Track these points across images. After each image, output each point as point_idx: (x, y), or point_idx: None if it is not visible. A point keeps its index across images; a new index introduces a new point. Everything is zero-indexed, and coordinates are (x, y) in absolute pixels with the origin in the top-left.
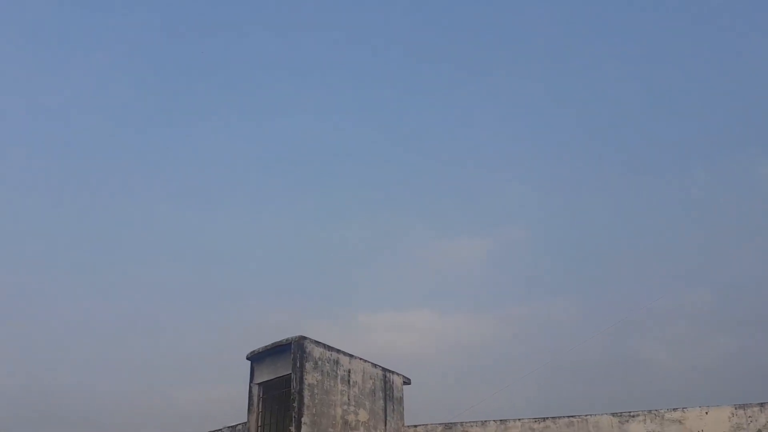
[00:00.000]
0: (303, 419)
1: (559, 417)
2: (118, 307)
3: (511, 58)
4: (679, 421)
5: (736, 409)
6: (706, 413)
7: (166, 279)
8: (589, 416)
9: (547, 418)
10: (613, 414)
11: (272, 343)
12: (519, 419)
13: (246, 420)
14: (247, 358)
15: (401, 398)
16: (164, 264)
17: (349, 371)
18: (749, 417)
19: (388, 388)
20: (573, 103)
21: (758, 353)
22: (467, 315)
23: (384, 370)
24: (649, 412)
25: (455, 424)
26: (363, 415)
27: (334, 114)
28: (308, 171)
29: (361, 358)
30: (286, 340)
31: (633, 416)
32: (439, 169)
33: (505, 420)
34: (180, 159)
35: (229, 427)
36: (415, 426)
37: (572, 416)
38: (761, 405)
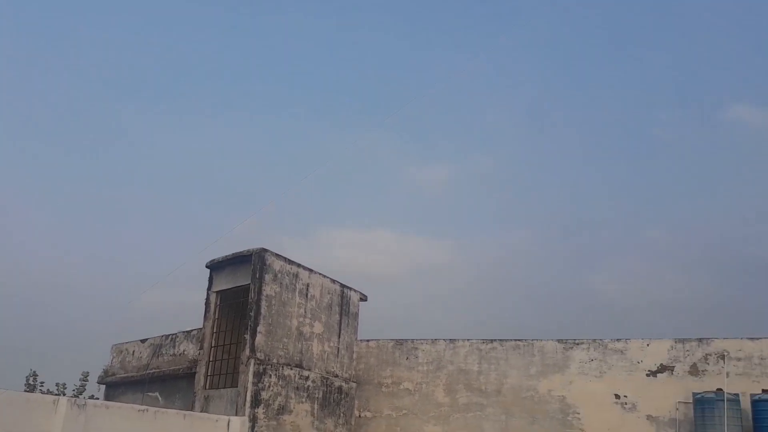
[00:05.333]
0: (258, 328)
1: (507, 340)
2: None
3: None
4: (621, 351)
5: (675, 342)
6: (648, 345)
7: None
8: (535, 341)
9: (495, 340)
10: (558, 340)
11: (233, 254)
12: (468, 340)
13: (202, 326)
14: (207, 266)
15: (356, 314)
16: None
17: (308, 285)
18: (687, 351)
19: (344, 304)
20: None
21: (703, 291)
22: (427, 239)
23: (342, 286)
24: (594, 341)
25: (406, 341)
26: (318, 328)
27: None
28: (280, 83)
29: (320, 273)
30: (247, 251)
31: (577, 344)
32: (415, 95)
33: (455, 340)
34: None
35: (184, 331)
36: (368, 341)
37: (519, 340)
38: (699, 340)
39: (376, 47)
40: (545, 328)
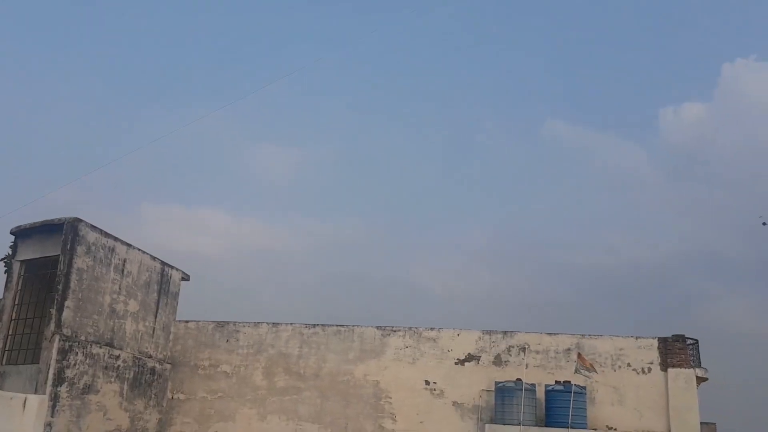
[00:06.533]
0: (66, 303)
1: (329, 325)
2: None
3: None
4: (434, 340)
5: (483, 334)
6: (458, 335)
7: None
8: (356, 327)
9: (317, 325)
10: (377, 327)
11: (42, 221)
12: (291, 324)
13: (2, 297)
14: (11, 233)
15: (177, 293)
16: None
17: (125, 260)
18: (493, 342)
19: (164, 282)
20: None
21: (512, 288)
22: (261, 221)
23: (163, 263)
24: (410, 329)
25: (227, 323)
26: (133, 306)
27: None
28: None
29: (140, 249)
30: (59, 219)
31: (395, 331)
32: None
33: (278, 323)
34: None
35: None
36: (187, 322)
37: (341, 325)
38: (504, 333)
39: (231, 30)
40: (367, 314)
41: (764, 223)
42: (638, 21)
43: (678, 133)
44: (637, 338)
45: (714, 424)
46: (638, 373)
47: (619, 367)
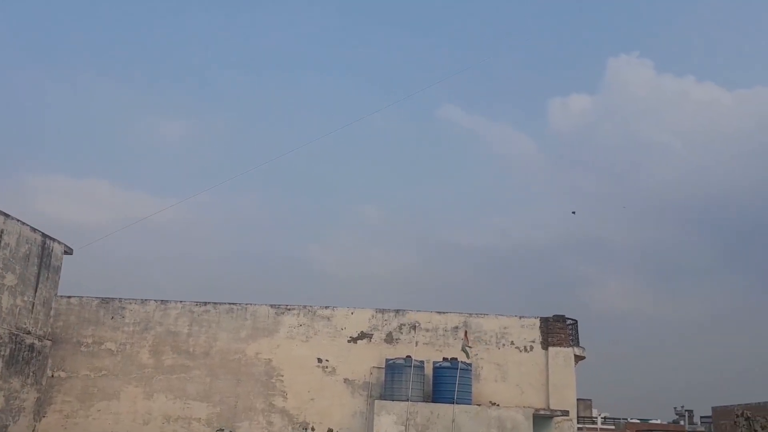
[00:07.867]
0: None
1: (221, 303)
2: None
3: None
4: (328, 318)
5: (376, 312)
6: (352, 313)
7: None
8: (249, 305)
9: (209, 302)
10: (271, 305)
11: None
12: (181, 301)
13: None
14: None
15: (59, 267)
16: None
17: (2, 232)
18: (385, 320)
19: (45, 255)
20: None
21: (408, 267)
22: (151, 194)
23: (44, 236)
24: (304, 307)
25: (113, 299)
26: (10, 279)
27: None
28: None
29: (18, 220)
30: None
31: (289, 309)
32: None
33: (167, 301)
34: None
35: None
36: (69, 297)
37: (233, 303)
38: (396, 311)
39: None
40: (263, 292)
41: (573, 212)
42: (531, 12)
43: (565, 123)
44: (520, 318)
45: (590, 400)
46: (521, 351)
47: (503, 345)
